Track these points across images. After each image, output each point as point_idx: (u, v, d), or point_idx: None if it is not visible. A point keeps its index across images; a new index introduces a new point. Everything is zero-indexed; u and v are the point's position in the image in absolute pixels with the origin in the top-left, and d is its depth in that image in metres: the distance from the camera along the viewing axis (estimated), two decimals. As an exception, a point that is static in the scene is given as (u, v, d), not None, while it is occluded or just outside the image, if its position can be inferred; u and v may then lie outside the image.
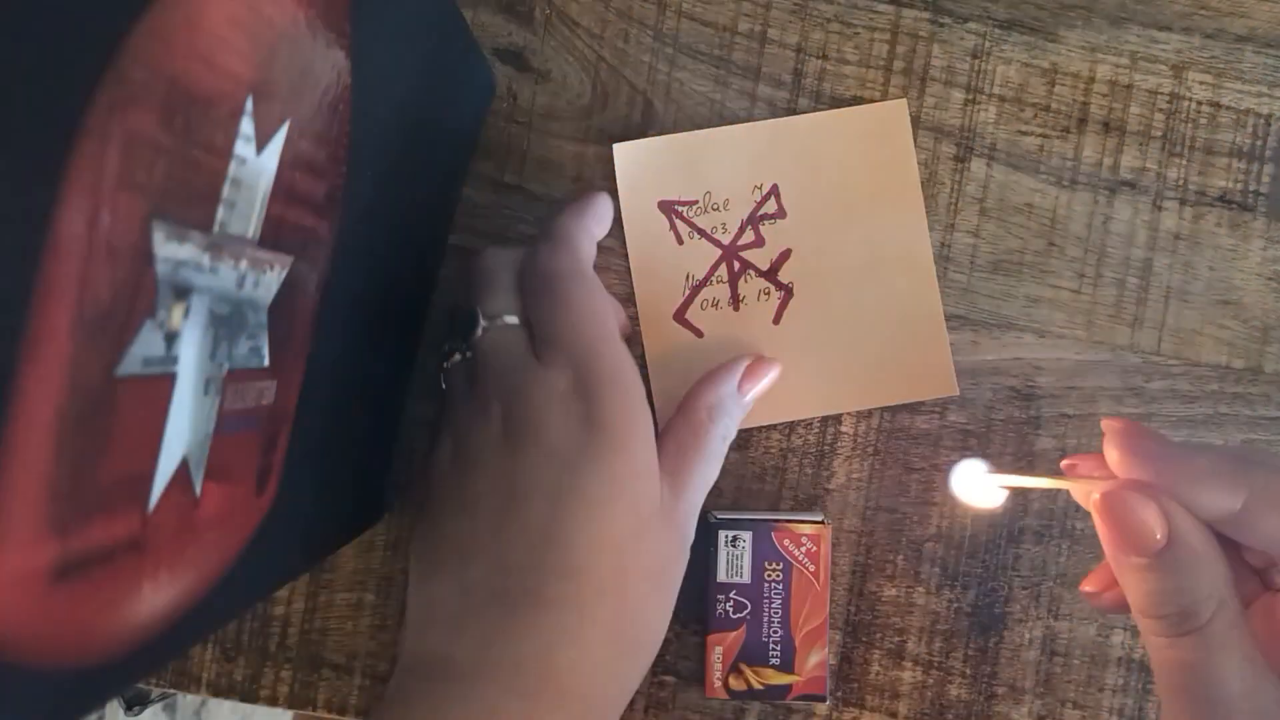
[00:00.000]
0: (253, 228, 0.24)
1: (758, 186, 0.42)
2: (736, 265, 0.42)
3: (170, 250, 0.21)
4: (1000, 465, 0.42)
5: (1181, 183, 0.42)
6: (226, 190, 0.23)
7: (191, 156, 0.21)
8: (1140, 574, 0.29)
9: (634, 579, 0.35)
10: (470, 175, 0.43)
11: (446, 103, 0.38)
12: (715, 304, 0.43)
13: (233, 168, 0.23)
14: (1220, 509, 0.29)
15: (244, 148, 0.23)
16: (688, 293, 0.42)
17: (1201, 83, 0.42)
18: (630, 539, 0.35)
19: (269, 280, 0.26)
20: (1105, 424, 0.31)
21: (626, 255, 0.42)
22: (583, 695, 0.33)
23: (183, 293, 0.22)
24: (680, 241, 0.42)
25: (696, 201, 0.42)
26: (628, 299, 0.42)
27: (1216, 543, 0.29)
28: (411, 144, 0.35)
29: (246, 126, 0.23)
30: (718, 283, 0.43)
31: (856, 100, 0.42)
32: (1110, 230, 0.42)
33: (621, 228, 0.42)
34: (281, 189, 0.25)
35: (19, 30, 0.15)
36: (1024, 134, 0.42)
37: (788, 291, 0.43)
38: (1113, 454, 0.30)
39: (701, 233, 0.42)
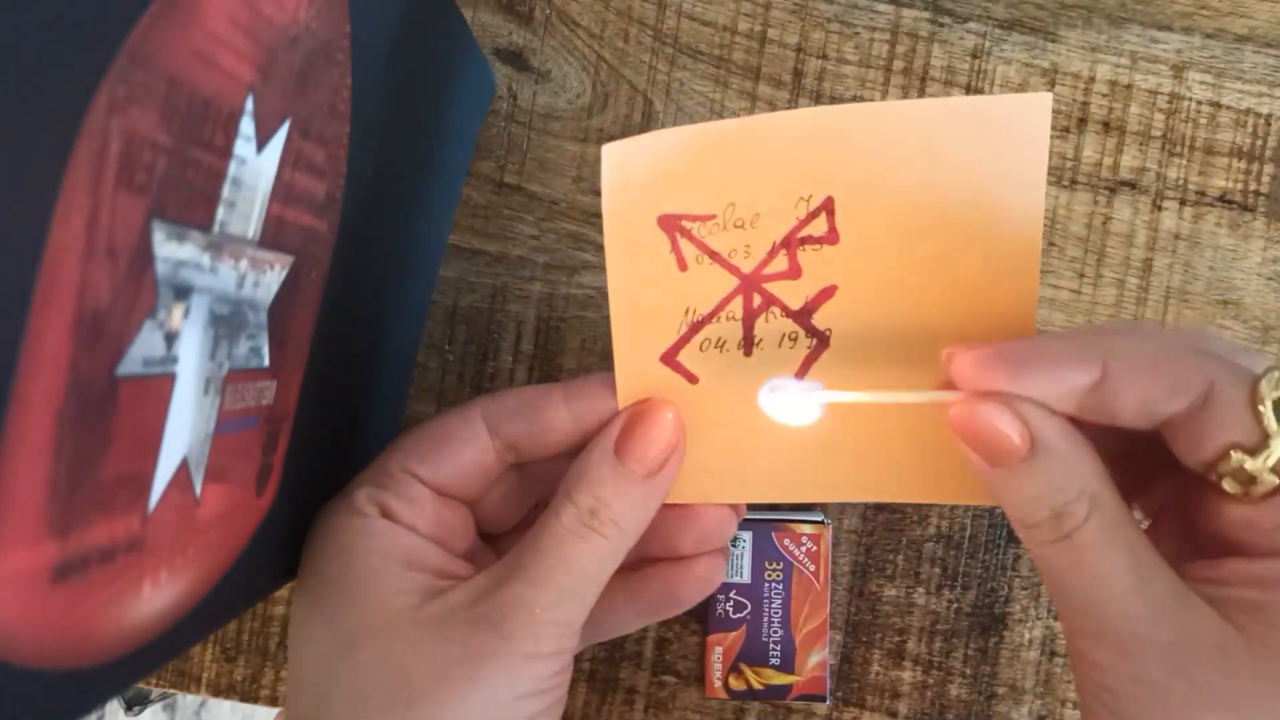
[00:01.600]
0: (253, 228, 0.24)
1: (804, 199, 0.31)
2: (758, 300, 0.32)
3: (170, 250, 0.21)
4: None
5: (1181, 183, 0.42)
6: (226, 190, 0.23)
7: (191, 156, 0.21)
8: (1008, 483, 0.27)
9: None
10: (470, 175, 0.43)
11: (446, 102, 0.38)
12: (720, 345, 0.32)
13: (233, 167, 0.23)
14: (1080, 386, 0.27)
15: (244, 147, 0.23)
16: (685, 330, 0.32)
17: (1202, 82, 0.42)
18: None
19: (269, 280, 0.26)
20: (944, 354, 0.29)
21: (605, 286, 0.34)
22: None
23: (183, 293, 0.22)
24: (684, 267, 0.32)
25: (714, 217, 0.31)
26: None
27: (1085, 439, 0.28)
28: (411, 144, 0.35)
29: (246, 126, 0.23)
30: (728, 319, 0.32)
31: (858, 101, 0.42)
32: (1110, 230, 0.42)
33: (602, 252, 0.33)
34: (281, 189, 0.25)
35: (19, 29, 0.15)
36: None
37: (822, 340, 0.32)
38: (960, 371, 0.29)
39: (715, 257, 0.32)
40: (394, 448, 0.34)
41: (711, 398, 0.33)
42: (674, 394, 0.33)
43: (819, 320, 0.32)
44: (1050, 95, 0.30)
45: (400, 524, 0.32)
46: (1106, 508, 0.27)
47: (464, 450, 0.33)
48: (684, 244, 0.32)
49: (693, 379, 0.33)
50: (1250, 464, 0.26)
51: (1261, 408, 0.26)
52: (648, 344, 0.32)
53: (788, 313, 0.32)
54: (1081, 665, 0.28)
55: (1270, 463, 0.26)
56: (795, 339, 0.32)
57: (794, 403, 0.31)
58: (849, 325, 0.32)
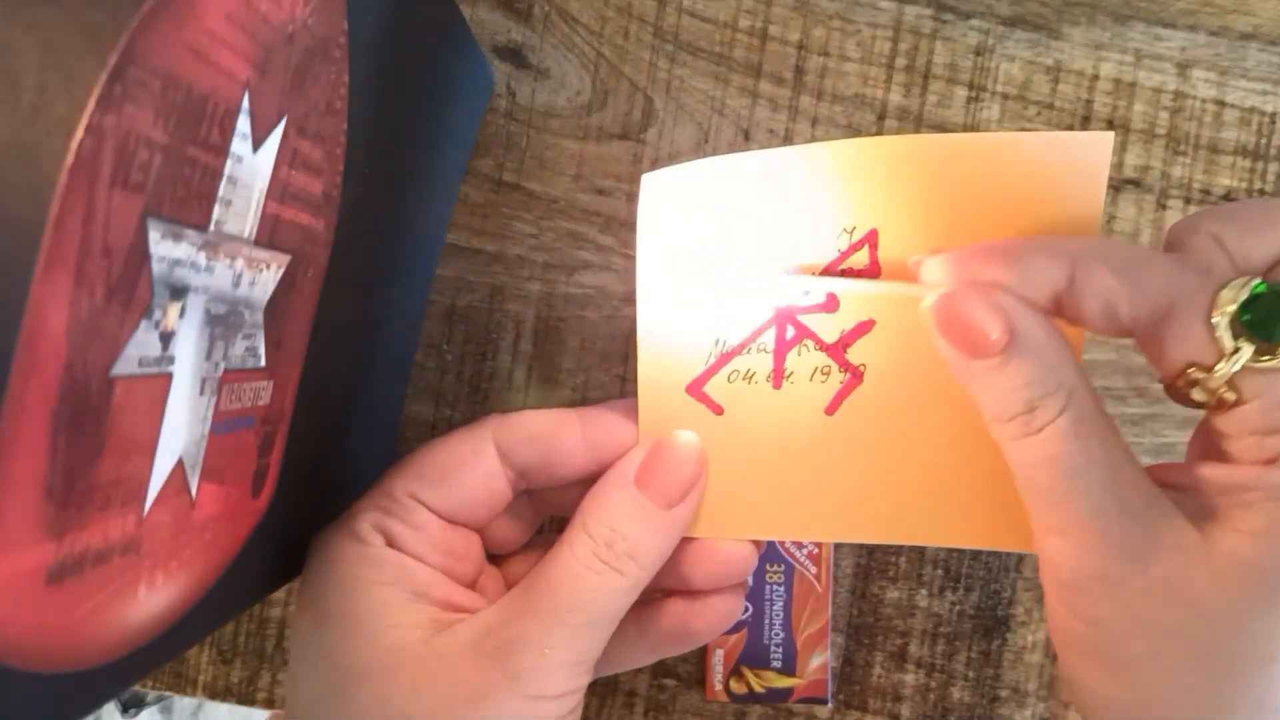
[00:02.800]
0: (249, 226, 0.24)
1: (846, 230, 0.31)
2: (791, 332, 0.32)
3: (166, 249, 0.21)
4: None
5: (1186, 181, 0.42)
6: (223, 188, 0.23)
7: (187, 154, 0.21)
8: (987, 377, 0.27)
9: None
10: (468, 173, 0.43)
11: (444, 100, 0.38)
12: (749, 377, 0.32)
13: (229, 166, 0.23)
14: (1051, 279, 0.27)
15: (240, 145, 0.23)
16: (714, 361, 0.32)
17: (1206, 80, 0.42)
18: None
19: (265, 279, 0.26)
20: (910, 261, 0.29)
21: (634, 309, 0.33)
22: None
23: (178, 292, 0.22)
24: (718, 298, 0.32)
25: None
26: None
27: (1059, 332, 0.27)
28: (409, 142, 0.35)
29: (243, 124, 0.23)
30: (759, 351, 0.32)
31: (860, 99, 0.42)
32: (1114, 229, 0.42)
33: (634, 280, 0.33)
34: (278, 187, 0.25)
35: (15, 27, 0.15)
36: (1027, 132, 0.42)
37: (856, 375, 0.32)
38: (932, 271, 0.29)
39: (750, 289, 0.32)
40: (399, 471, 0.32)
41: (737, 430, 0.32)
42: (697, 425, 0.32)
43: (854, 355, 0.32)
44: (1112, 135, 0.30)
45: (406, 553, 0.31)
46: (1082, 401, 0.27)
47: (474, 477, 0.32)
48: (718, 274, 0.32)
49: (718, 410, 0.32)
50: (1208, 380, 0.26)
51: (1216, 319, 0.26)
52: (673, 374, 0.32)
53: (822, 346, 0.32)
54: (1048, 566, 0.28)
55: (1224, 379, 0.26)
56: (828, 373, 0.32)
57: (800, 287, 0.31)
58: (885, 361, 0.32)
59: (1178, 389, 0.27)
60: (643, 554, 0.30)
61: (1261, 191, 0.42)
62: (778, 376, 0.32)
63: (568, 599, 0.29)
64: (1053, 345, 0.27)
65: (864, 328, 0.32)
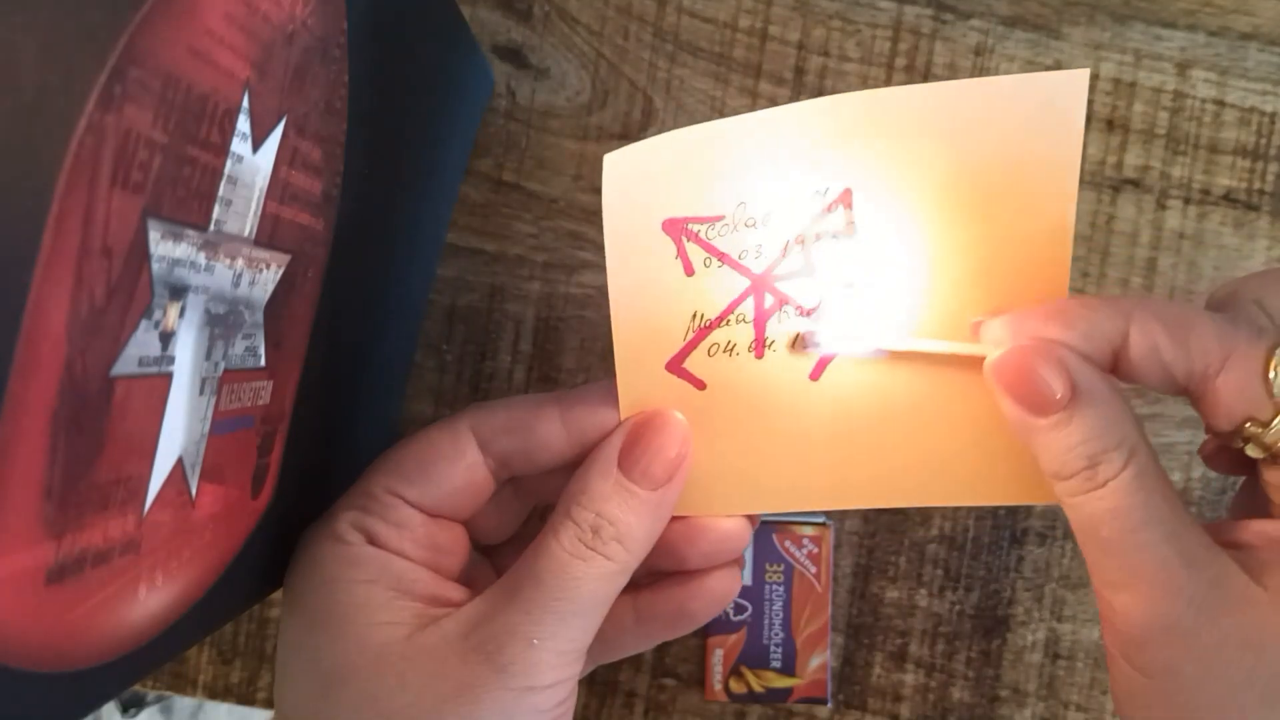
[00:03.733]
0: (249, 226, 0.24)
1: (819, 192, 0.30)
2: (770, 300, 0.31)
3: (166, 249, 0.21)
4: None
5: (1186, 181, 0.42)
6: (222, 188, 0.22)
7: (187, 154, 0.21)
8: (1049, 434, 0.27)
9: None
10: (468, 173, 0.43)
11: (444, 100, 0.38)
12: (730, 349, 0.31)
13: (229, 165, 0.22)
14: (1110, 335, 0.27)
15: (240, 145, 0.23)
16: (692, 336, 0.31)
17: (1206, 80, 0.42)
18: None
19: (265, 279, 0.26)
20: (971, 324, 0.29)
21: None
22: None
23: (178, 292, 0.22)
24: (690, 271, 0.31)
25: (722, 218, 0.30)
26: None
27: (1120, 388, 0.27)
28: (409, 141, 0.35)
29: (243, 124, 0.23)
30: (738, 322, 0.31)
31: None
32: (1114, 229, 0.42)
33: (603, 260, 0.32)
34: (278, 187, 0.25)
35: (15, 27, 0.15)
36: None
37: None
38: (993, 331, 0.29)
39: (724, 259, 0.31)
40: (377, 468, 0.32)
41: (721, 403, 0.31)
42: (680, 403, 0.31)
43: None
44: (1088, 72, 0.29)
45: (388, 550, 0.30)
46: (1144, 456, 0.27)
47: (453, 469, 0.32)
48: (691, 248, 0.31)
49: (700, 385, 0.32)
50: (1264, 435, 0.27)
51: (1273, 374, 0.26)
52: (652, 352, 0.31)
53: (802, 311, 0.31)
54: (1112, 622, 0.28)
55: None
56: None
57: (839, 344, 0.30)
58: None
59: (1229, 444, 0.28)
60: (630, 538, 0.30)
61: (1261, 192, 0.42)
62: (759, 346, 0.31)
63: (554, 588, 0.29)
64: (1115, 401, 0.27)
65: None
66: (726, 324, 0.31)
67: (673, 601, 0.33)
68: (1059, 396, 0.27)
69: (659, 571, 0.33)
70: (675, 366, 0.31)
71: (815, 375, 0.31)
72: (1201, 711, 0.27)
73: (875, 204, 0.30)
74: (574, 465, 0.32)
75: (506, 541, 0.36)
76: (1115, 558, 0.27)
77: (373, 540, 0.31)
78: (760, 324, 0.31)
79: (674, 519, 0.31)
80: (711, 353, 0.31)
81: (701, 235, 0.31)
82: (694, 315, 0.31)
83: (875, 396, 0.31)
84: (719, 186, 0.30)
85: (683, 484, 0.31)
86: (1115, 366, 0.28)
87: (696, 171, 0.30)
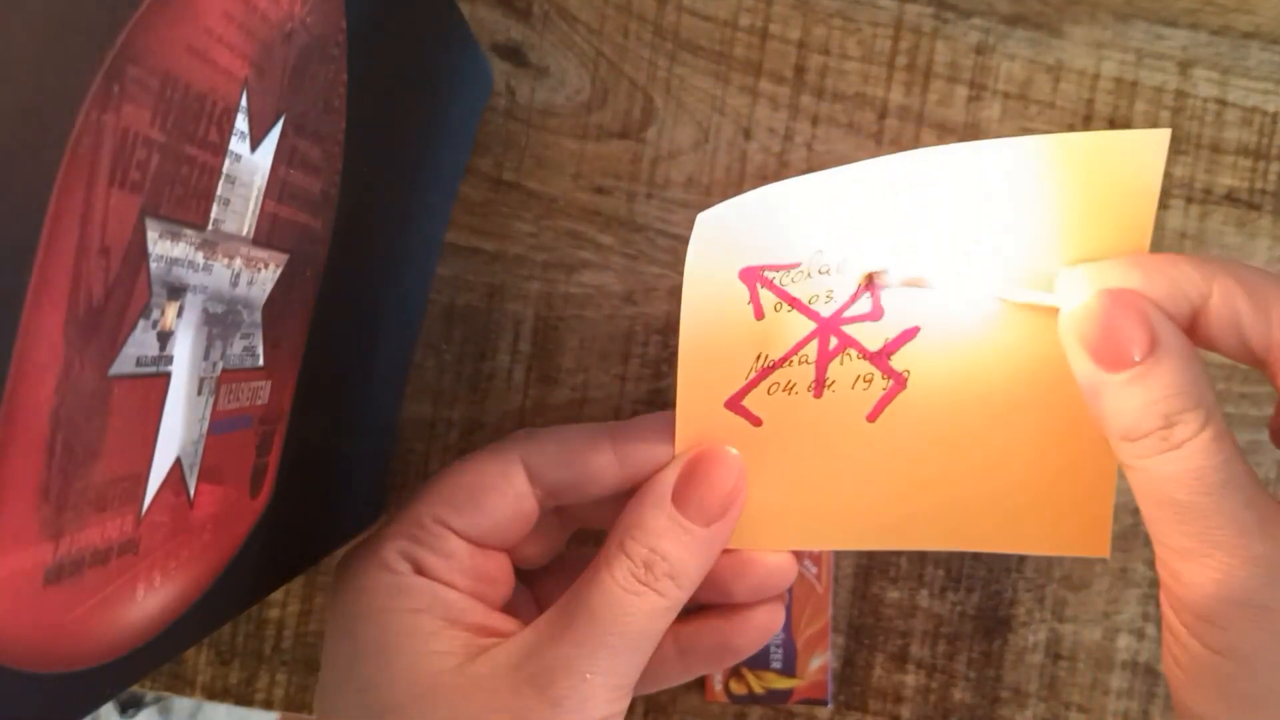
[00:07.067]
0: (247, 225, 0.24)
1: (894, 241, 0.31)
2: (834, 342, 0.31)
3: (164, 248, 0.21)
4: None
5: (1187, 181, 0.42)
6: (220, 187, 0.22)
7: (185, 153, 0.21)
8: (1123, 389, 0.26)
9: None
10: (467, 172, 0.43)
11: (443, 99, 0.38)
12: (789, 388, 0.32)
13: (227, 164, 0.22)
14: (1191, 296, 0.26)
15: (238, 144, 0.23)
16: (754, 375, 0.32)
17: (1208, 79, 0.42)
18: None
19: (264, 279, 0.26)
20: (1058, 273, 0.29)
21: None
22: None
23: (176, 291, 0.22)
24: (760, 316, 0.31)
25: (798, 265, 0.31)
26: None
27: (1195, 347, 0.26)
28: (408, 140, 0.35)
29: (241, 122, 0.23)
30: (800, 363, 0.32)
31: (861, 98, 0.42)
32: (1115, 229, 0.42)
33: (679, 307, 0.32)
34: (276, 186, 0.25)
35: (11, 26, 0.15)
36: (1029, 131, 0.42)
37: (899, 381, 0.32)
38: (1070, 282, 0.28)
39: (794, 303, 0.31)
40: (425, 497, 0.32)
41: (776, 440, 0.32)
42: (735, 439, 0.32)
43: (897, 362, 0.31)
44: (1169, 132, 0.28)
45: (436, 580, 0.30)
46: (1220, 420, 0.26)
47: (503, 500, 0.31)
48: (763, 293, 0.31)
49: (757, 422, 0.32)
50: None
51: None
52: (714, 391, 0.32)
53: (865, 354, 0.31)
54: (1179, 594, 0.26)
55: None
56: (870, 380, 0.32)
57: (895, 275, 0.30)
58: (929, 367, 0.31)
59: None
60: (682, 574, 0.30)
61: (1263, 191, 0.42)
62: (819, 386, 0.32)
63: (607, 621, 0.29)
64: (1196, 359, 0.26)
65: (908, 335, 0.31)
66: (789, 364, 0.31)
67: (716, 635, 0.33)
68: (1138, 350, 0.26)
69: (702, 603, 0.33)
70: (734, 404, 0.32)
71: (873, 416, 0.32)
72: (1275, 694, 0.25)
73: (948, 255, 0.30)
74: (622, 495, 0.31)
75: (546, 567, 0.35)
76: (1190, 523, 0.26)
77: (420, 570, 0.30)
78: (822, 365, 0.31)
79: (723, 552, 0.31)
80: (771, 391, 0.32)
81: (776, 282, 0.31)
82: (758, 356, 0.32)
83: (934, 439, 0.31)
84: (798, 235, 0.31)
85: (736, 520, 0.31)
86: (1192, 329, 0.27)
87: (780, 223, 0.31)
